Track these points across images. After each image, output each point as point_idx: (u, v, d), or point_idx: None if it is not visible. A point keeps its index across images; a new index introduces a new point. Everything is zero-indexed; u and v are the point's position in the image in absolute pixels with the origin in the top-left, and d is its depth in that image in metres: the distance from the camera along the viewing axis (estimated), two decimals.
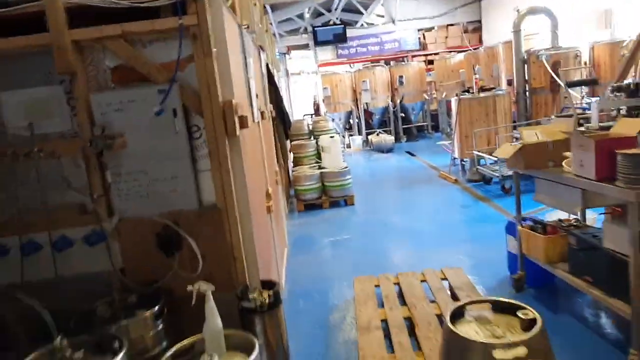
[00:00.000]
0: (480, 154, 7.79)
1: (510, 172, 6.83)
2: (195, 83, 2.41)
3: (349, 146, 14.08)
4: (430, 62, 15.87)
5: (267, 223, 3.47)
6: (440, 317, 3.10)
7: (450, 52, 15.37)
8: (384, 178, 9.61)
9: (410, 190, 8.12)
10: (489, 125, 8.01)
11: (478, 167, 7.70)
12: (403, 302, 3.38)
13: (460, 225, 5.91)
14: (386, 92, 14.29)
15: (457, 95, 8.49)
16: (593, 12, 9.68)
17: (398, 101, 14.23)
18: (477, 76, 8.28)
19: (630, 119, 2.90)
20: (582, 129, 3.09)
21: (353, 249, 5.46)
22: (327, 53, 16.41)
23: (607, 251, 2.64)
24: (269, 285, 2.51)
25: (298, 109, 19.79)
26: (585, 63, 8.08)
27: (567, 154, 3.03)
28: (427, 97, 14.40)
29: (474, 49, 14.57)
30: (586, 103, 7.68)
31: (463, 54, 13.26)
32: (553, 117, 3.34)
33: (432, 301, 3.34)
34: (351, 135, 14.54)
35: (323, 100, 14.50)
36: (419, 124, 15.13)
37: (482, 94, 8.13)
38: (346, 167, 7.43)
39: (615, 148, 2.41)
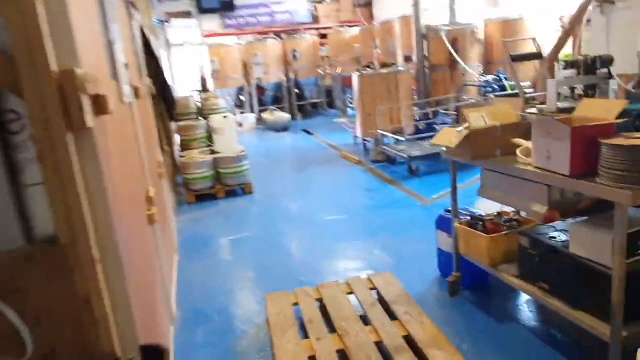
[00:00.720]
0: (384, 133, 7.43)
1: (417, 153, 6.56)
2: (4, 40, 1.42)
3: (240, 125, 13.05)
4: (323, 36, 15.32)
5: (149, 242, 2.55)
6: (380, 345, 2.51)
7: (342, 26, 14.96)
8: (283, 160, 8.89)
9: (312, 172, 7.52)
10: (392, 103, 7.68)
11: (382, 147, 7.34)
12: (331, 328, 2.73)
13: (372, 212, 5.44)
14: (279, 66, 13.47)
15: (357, 71, 8.01)
16: None
17: (292, 76, 13.50)
18: (377, 51, 7.86)
19: (595, 99, 2.53)
20: (533, 110, 2.66)
21: (256, 248, 4.69)
22: (213, 23, 15.00)
23: (574, 258, 2.23)
24: (152, 353, 1.66)
25: (182, 85, 18.09)
26: (479, 39, 8.09)
27: (518, 141, 2.58)
28: (321, 72, 13.88)
29: (369, 23, 14.33)
30: (483, 80, 7.68)
31: (357, 28, 12.89)
32: (491, 96, 2.91)
33: (367, 323, 2.74)
34: (242, 112, 13.52)
35: (211, 75, 13.21)
36: (314, 101, 14.60)
37: (383, 70, 7.74)
38: (243, 152, 6.56)
39: (597, 137, 1.95)
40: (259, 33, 14.59)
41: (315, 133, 11.19)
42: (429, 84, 8.26)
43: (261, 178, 7.24)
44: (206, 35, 14.78)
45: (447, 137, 2.74)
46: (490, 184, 2.70)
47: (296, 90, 13.86)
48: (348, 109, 13.61)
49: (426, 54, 8.19)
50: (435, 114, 8.44)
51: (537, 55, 3.06)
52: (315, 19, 15.81)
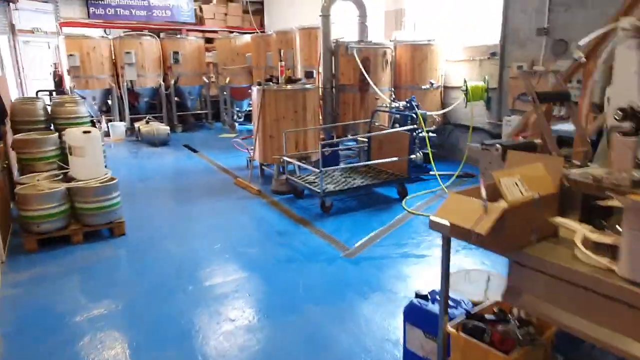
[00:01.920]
0: (290, 160, 6.36)
1: (332, 187, 5.62)
2: None
3: (107, 134, 10.94)
4: (208, 40, 13.82)
5: None
6: None
7: (232, 32, 13.65)
8: (163, 186, 7.28)
9: (202, 205, 6.12)
10: (298, 124, 6.66)
11: (289, 176, 6.26)
12: None
13: (290, 271, 4.26)
14: (157, 69, 11.65)
15: (258, 84, 6.85)
16: (391, 9, 9.39)
17: (172, 82, 11.78)
18: (282, 63, 6.80)
19: None
20: (576, 173, 1.81)
21: (131, 336, 3.24)
22: (74, 9, 12.54)
23: None
24: None
25: (32, 83, 14.98)
26: (390, 62, 7.51)
27: (566, 223, 1.71)
28: (206, 81, 12.37)
29: (261, 32, 13.25)
30: (394, 107, 7.08)
31: (250, 35, 11.71)
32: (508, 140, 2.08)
33: None
34: (110, 120, 11.39)
35: (68, 72, 10.88)
36: (197, 112, 12.98)
37: (289, 86, 6.69)
38: (113, 179, 4.95)
39: None
40: (133, 29, 12.55)
41: (200, 150, 9.68)
42: (337, 106, 7.44)
43: (136, 213, 5.65)
44: (64, 24, 12.27)
45: (464, 213, 1.77)
46: (529, 287, 1.78)
47: (176, 99, 12.15)
48: (236, 124, 12.32)
49: (334, 72, 7.36)
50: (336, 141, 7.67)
51: (565, 96, 2.24)
52: (200, 20, 14.23)
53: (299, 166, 6.56)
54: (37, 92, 9.81)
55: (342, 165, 6.70)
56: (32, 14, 14.90)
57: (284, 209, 5.92)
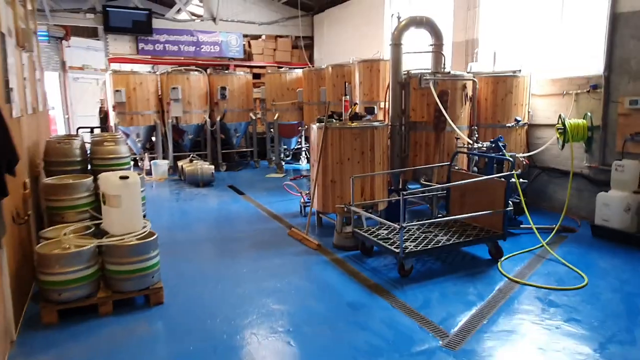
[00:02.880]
0: (359, 211, 5.36)
1: (412, 246, 4.56)
2: None
3: (149, 173, 10.36)
4: (256, 76, 13.33)
5: None
6: None
7: (280, 67, 13.11)
8: (207, 235, 6.39)
9: (253, 263, 5.16)
10: (364, 168, 5.70)
11: (356, 230, 5.24)
12: None
13: None
14: (203, 105, 11.11)
15: (319, 121, 5.99)
16: (460, 40, 8.47)
17: (218, 118, 11.19)
18: (347, 97, 5.92)
19: None
20: None
21: None
22: (123, 45, 12.34)
23: None
24: None
25: (79, 119, 14.87)
26: (470, 97, 6.50)
27: None
28: (253, 117, 11.73)
29: (312, 66, 12.63)
30: (477, 148, 6.02)
31: (301, 70, 11.05)
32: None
33: None
34: (153, 158, 10.84)
35: (114, 108, 10.47)
36: (243, 150, 12.32)
37: (356, 124, 5.77)
38: (152, 235, 4.08)
39: None
40: (181, 64, 12.18)
41: (247, 192, 8.85)
42: (407, 146, 6.45)
43: (175, 273, 4.75)
44: (113, 60, 12.04)
45: None
46: None
47: (222, 136, 11.53)
48: (283, 163, 11.52)
49: (403, 108, 6.42)
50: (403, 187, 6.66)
51: None
52: (249, 55, 13.82)
53: (366, 217, 5.55)
54: (78, 129, 9.38)
55: (424, 220, 5.65)
56: (83, 51, 14.97)
57: (352, 270, 4.87)
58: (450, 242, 4.80)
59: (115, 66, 11.86)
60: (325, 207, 5.92)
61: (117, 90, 10.22)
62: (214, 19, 12.95)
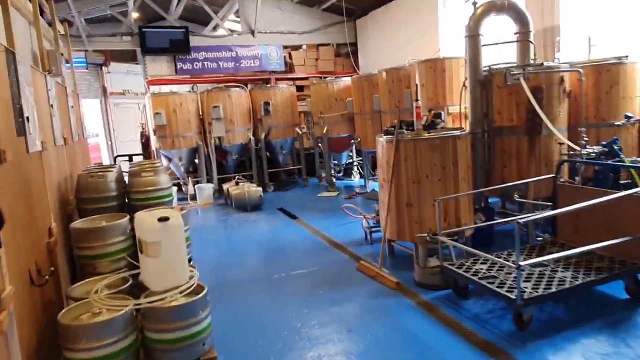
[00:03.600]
0: (448, 242, 4.34)
1: (532, 289, 3.49)
2: None
3: (193, 198, 9.71)
4: (299, 88, 12.57)
5: None
6: None
7: (325, 76, 12.29)
8: (261, 273, 5.51)
9: (320, 310, 4.23)
10: (447, 187, 4.68)
11: (448, 266, 4.22)
12: None
13: None
14: (246, 123, 10.40)
15: (387, 133, 5.04)
16: (538, 28, 7.34)
17: (262, 136, 10.45)
18: (418, 102, 4.94)
19: None
20: None
21: None
22: (161, 66, 11.88)
23: None
24: None
25: (122, 145, 14.60)
26: (569, 92, 5.35)
27: None
28: (299, 132, 10.92)
29: (358, 73, 11.72)
30: (587, 155, 4.87)
31: (349, 78, 10.16)
32: None
33: None
34: (197, 182, 10.20)
35: (154, 132, 9.93)
36: (290, 168, 11.52)
37: (432, 134, 4.78)
38: (201, 289, 3.23)
39: None
40: (220, 81, 11.56)
41: (299, 216, 7.97)
42: (492, 156, 5.39)
43: (229, 328, 3.89)
44: (152, 82, 11.59)
45: None
46: None
47: (267, 154, 10.78)
48: (335, 180, 10.61)
49: (485, 112, 5.37)
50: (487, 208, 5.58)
51: None
52: (290, 67, 13.09)
53: (455, 249, 4.52)
54: (115, 157, 8.80)
55: (547, 256, 4.57)
56: (123, 76, 14.75)
57: (448, 319, 3.85)
58: (580, 280, 3.68)
59: (154, 89, 11.40)
60: (401, 235, 4.93)
61: (157, 113, 9.67)
62: (252, 32, 12.32)
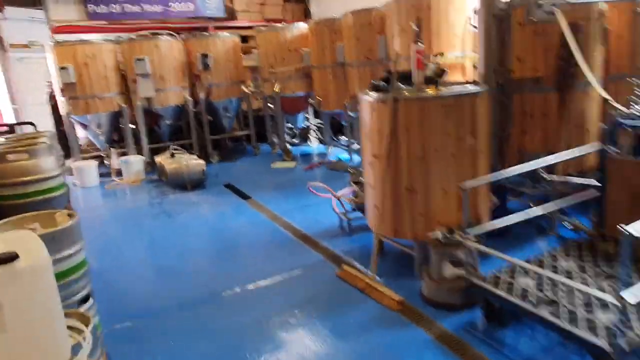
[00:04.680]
0: (477, 245, 3.05)
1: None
2: None
3: (119, 174, 7.91)
4: (243, 40, 10.68)
5: None
6: None
7: (271, 24, 10.49)
8: (208, 289, 4.00)
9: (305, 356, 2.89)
10: (463, 163, 3.36)
11: (475, 279, 2.94)
12: None
13: None
14: (181, 80, 8.55)
15: (376, 88, 3.60)
16: None
17: (202, 96, 8.67)
18: (421, 45, 3.51)
19: None
20: None
21: None
22: (68, 10, 9.57)
23: None
24: None
25: (31, 110, 12.15)
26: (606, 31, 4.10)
27: None
28: (246, 91, 9.21)
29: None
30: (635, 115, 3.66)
31: (301, 25, 8.49)
32: None
33: None
34: (125, 154, 8.35)
35: (62, 92, 7.89)
36: (237, 134, 9.84)
37: (444, 91, 3.39)
38: None
39: None
40: (145, 29, 9.48)
41: (252, 195, 6.46)
42: (508, 119, 4.10)
43: None
44: (58, 29, 9.31)
45: None
46: None
47: (209, 118, 9.03)
48: (290, 147, 9.11)
49: (501, 59, 4.04)
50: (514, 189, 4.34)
51: None
52: (231, 14, 11.13)
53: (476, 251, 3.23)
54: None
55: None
56: (28, 25, 12.08)
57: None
58: None
59: (63, 39, 9.16)
60: (399, 231, 3.61)
61: (62, 68, 7.62)
62: None
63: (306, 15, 11.68)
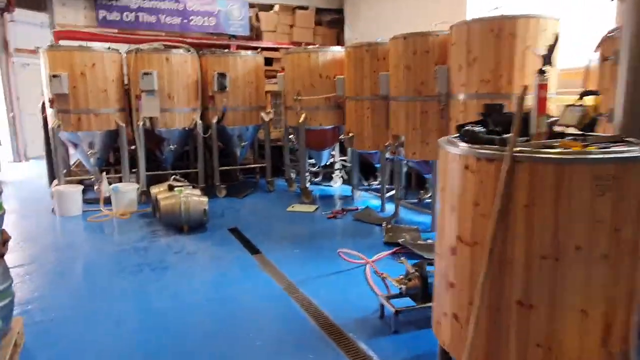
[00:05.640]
0: None
1: None
2: None
3: (108, 203, 6.68)
4: (267, 62, 9.61)
5: None
6: None
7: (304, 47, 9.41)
8: None
9: None
10: (619, 272, 2.03)
11: None
12: None
13: None
14: (192, 101, 7.42)
15: (468, 137, 2.32)
16: None
17: (214, 120, 7.50)
18: (545, 77, 2.26)
19: None
20: None
21: None
22: (76, 13, 8.58)
23: None
24: None
25: (26, 120, 11.19)
26: None
27: None
28: (265, 119, 8.02)
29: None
30: None
31: (341, 48, 7.36)
32: None
33: None
34: (120, 179, 7.14)
35: (51, 104, 6.77)
36: (250, 166, 8.63)
37: (591, 149, 2.11)
38: None
39: None
40: (161, 41, 8.43)
41: (262, 249, 5.14)
42: None
43: None
44: (61, 34, 8.28)
45: None
46: None
47: (219, 145, 7.85)
48: (309, 185, 7.85)
49: None
50: None
51: None
52: (257, 33, 10.11)
53: None
54: None
55: None
56: (37, 29, 11.18)
57: None
58: None
59: (66, 44, 8.13)
60: None
61: (54, 76, 6.50)
62: None
63: (339, 41, 10.64)
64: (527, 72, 4.27)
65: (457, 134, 2.58)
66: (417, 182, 8.03)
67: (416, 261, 3.63)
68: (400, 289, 3.44)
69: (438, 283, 2.65)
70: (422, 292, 3.40)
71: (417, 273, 3.42)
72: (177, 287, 4.22)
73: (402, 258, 3.64)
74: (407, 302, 3.46)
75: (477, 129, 2.36)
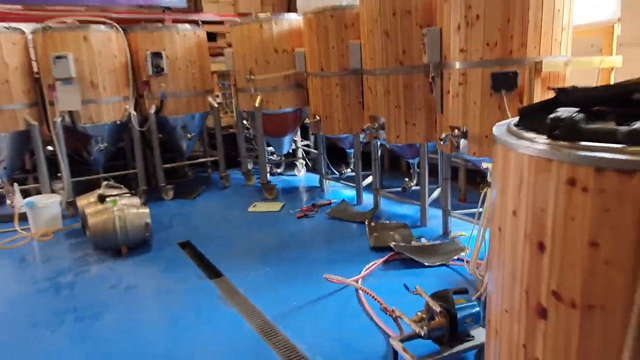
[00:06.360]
0: None
1: None
2: None
3: (24, 220, 5.36)
4: (210, 37, 8.29)
5: None
6: None
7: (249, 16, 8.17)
8: None
9: None
10: None
11: None
12: None
13: None
14: (122, 89, 6.11)
15: (538, 126, 1.37)
16: None
17: (152, 110, 6.25)
18: None
19: None
20: None
21: None
22: None
23: None
24: None
25: None
26: None
27: None
28: (214, 105, 6.83)
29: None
30: None
31: (291, 16, 6.25)
32: None
33: None
34: (38, 191, 5.80)
35: None
36: (199, 160, 7.43)
37: None
38: None
39: None
40: (77, 17, 6.94)
41: (225, 270, 4.09)
42: None
43: None
44: None
45: None
46: None
47: (160, 136, 6.62)
48: (269, 176, 6.82)
49: None
50: None
51: None
52: (196, 4, 8.76)
53: None
54: None
55: None
56: None
57: None
58: None
59: None
60: None
61: None
62: None
63: (290, 9, 9.45)
64: (544, 30, 3.38)
65: (520, 124, 1.63)
66: (390, 166, 7.18)
67: (434, 290, 2.72)
68: (420, 332, 2.53)
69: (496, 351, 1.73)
70: (451, 332, 2.52)
71: (441, 308, 2.52)
72: (111, 346, 3.12)
73: (417, 287, 2.71)
74: (423, 343, 2.57)
75: (576, 116, 1.41)
